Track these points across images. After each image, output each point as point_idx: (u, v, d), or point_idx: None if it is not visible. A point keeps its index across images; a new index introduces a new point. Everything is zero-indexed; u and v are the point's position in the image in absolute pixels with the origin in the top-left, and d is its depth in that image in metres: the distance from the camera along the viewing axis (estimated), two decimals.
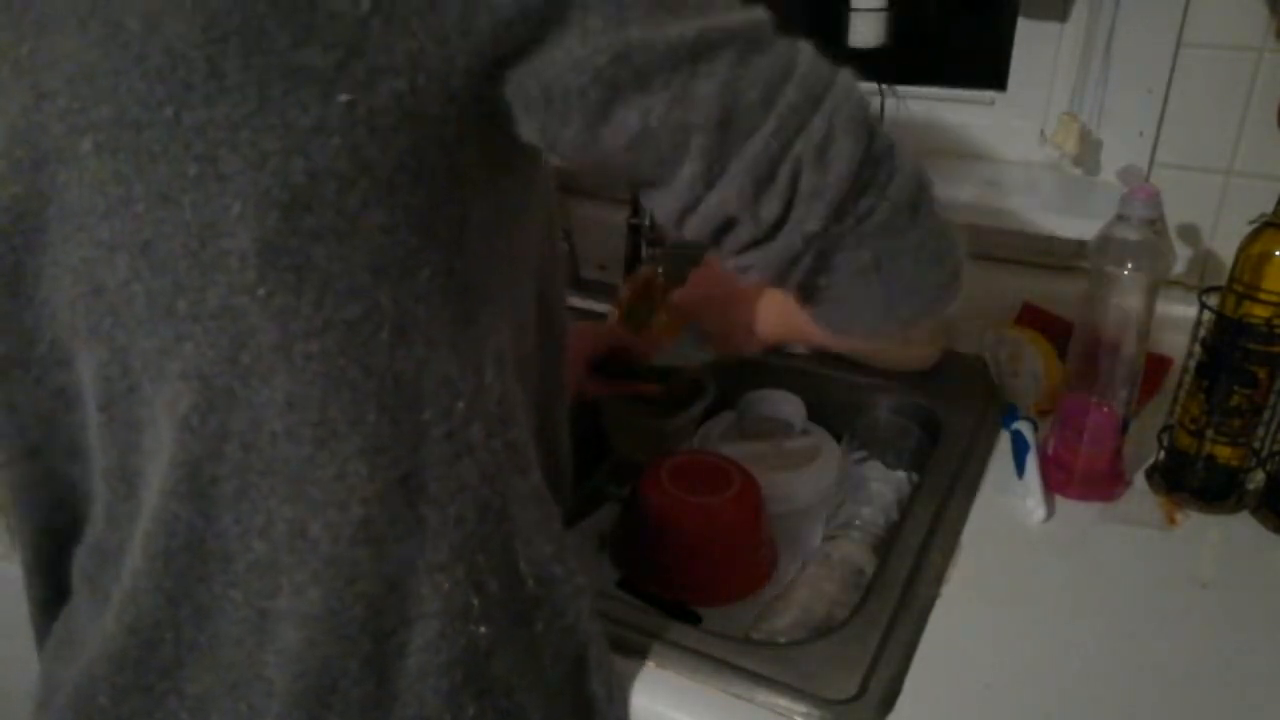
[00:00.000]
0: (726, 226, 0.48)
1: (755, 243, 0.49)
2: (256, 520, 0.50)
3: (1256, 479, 0.80)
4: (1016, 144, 1.09)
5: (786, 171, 0.46)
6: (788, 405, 1.04)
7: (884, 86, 1.11)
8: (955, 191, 1.02)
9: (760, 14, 0.47)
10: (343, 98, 0.42)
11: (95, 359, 0.51)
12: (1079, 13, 1.00)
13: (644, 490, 0.83)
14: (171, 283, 0.46)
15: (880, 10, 0.99)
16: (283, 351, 0.46)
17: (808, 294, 0.52)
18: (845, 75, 0.48)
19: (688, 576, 0.81)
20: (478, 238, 0.49)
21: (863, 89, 0.48)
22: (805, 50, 0.47)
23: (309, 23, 0.42)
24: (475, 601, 0.53)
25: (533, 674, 0.56)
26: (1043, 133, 1.06)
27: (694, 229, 0.49)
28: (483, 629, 0.53)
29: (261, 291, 0.45)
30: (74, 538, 0.58)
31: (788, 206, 0.47)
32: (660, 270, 0.95)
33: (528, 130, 0.47)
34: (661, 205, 0.49)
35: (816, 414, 1.04)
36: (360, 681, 0.51)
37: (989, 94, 1.10)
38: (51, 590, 0.61)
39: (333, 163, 0.43)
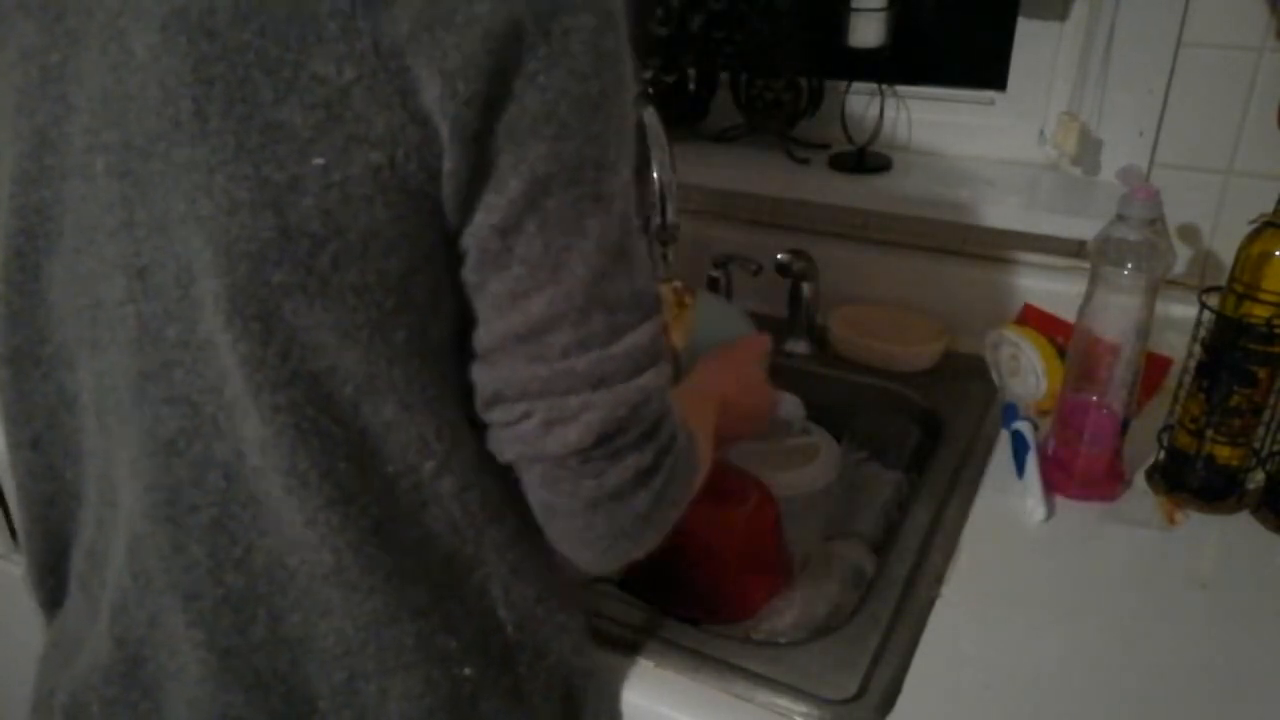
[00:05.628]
0: (466, 385, 0.49)
1: (507, 425, 0.49)
2: (234, 552, 0.49)
3: (1256, 479, 0.80)
4: (1016, 144, 1.09)
5: (521, 409, 0.48)
6: (788, 405, 1.04)
7: (884, 86, 1.11)
8: (955, 191, 1.02)
9: (646, 273, 0.49)
10: (318, 160, 0.42)
11: (95, 368, 0.51)
12: (1079, 13, 1.00)
13: None
14: (163, 310, 0.47)
15: (880, 10, 0.99)
16: (251, 397, 0.46)
17: None
18: (642, 380, 0.48)
19: (703, 592, 0.79)
20: (455, 301, 0.48)
21: (650, 394, 0.49)
22: (639, 333, 0.48)
23: (292, 80, 0.41)
24: (454, 644, 0.52)
25: (521, 715, 0.55)
26: (1043, 133, 1.06)
27: (450, 361, 0.49)
28: (467, 670, 0.52)
29: (229, 336, 0.45)
30: (69, 537, 0.59)
31: (503, 426, 0.49)
32: (677, 285, 0.94)
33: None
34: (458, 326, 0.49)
35: (816, 414, 1.04)
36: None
37: (989, 94, 1.10)
38: (47, 586, 0.61)
39: (304, 222, 0.43)
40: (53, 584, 0.61)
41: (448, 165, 0.43)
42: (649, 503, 0.51)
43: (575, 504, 0.50)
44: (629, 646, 0.67)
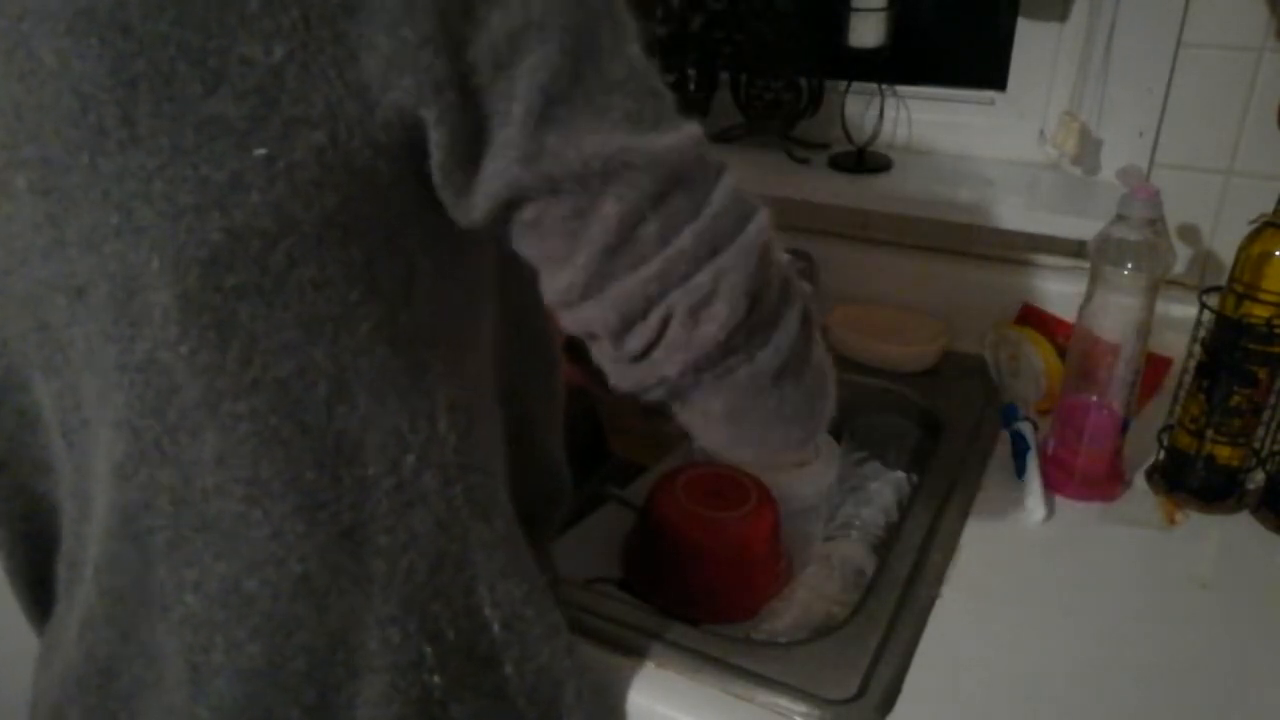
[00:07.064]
0: (591, 337, 0.47)
1: (613, 361, 0.47)
2: (190, 574, 0.48)
3: (1256, 479, 0.80)
4: (1016, 144, 1.09)
5: (658, 316, 0.44)
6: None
7: (884, 86, 1.11)
8: (955, 191, 1.02)
9: (694, 134, 0.45)
10: (259, 151, 0.40)
11: (51, 389, 0.50)
12: (1079, 13, 1.00)
13: (658, 504, 0.81)
14: (100, 331, 0.44)
15: (880, 10, 0.99)
16: (208, 409, 0.44)
17: (663, 405, 0.51)
18: (753, 227, 0.45)
19: (703, 593, 0.80)
20: (429, 285, 0.47)
21: (768, 241, 0.46)
22: (722, 190, 0.45)
23: (220, 69, 0.39)
24: (429, 650, 0.50)
25: (504, 717, 0.54)
26: (1043, 132, 1.06)
27: (565, 324, 0.47)
28: (437, 678, 0.51)
29: (184, 348, 0.43)
30: (51, 547, 0.58)
31: (650, 347, 0.45)
32: None
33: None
34: (544, 289, 0.47)
35: None
36: None
37: (989, 94, 1.10)
38: (32, 599, 0.61)
39: (253, 219, 0.41)
40: (41, 595, 0.60)
41: (436, 129, 0.41)
42: (821, 351, 0.49)
43: (761, 382, 0.46)
44: (629, 647, 0.67)
